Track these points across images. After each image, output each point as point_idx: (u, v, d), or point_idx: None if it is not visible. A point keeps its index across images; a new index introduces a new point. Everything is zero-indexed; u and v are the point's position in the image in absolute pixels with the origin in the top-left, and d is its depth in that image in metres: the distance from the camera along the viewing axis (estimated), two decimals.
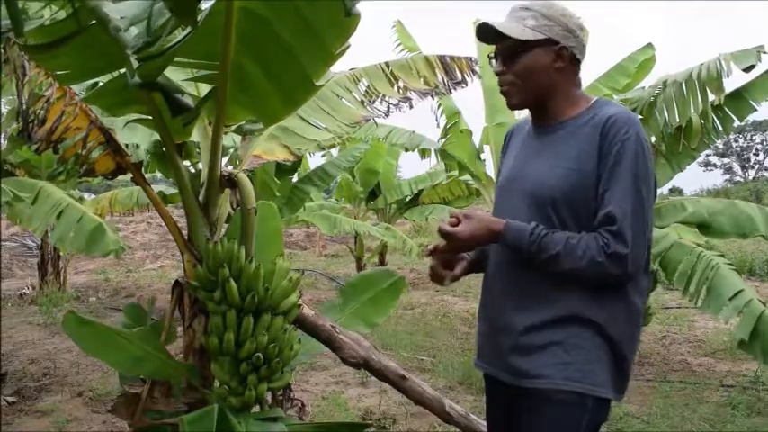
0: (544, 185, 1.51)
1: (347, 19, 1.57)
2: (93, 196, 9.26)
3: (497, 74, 1.58)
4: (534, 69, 1.53)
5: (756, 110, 4.40)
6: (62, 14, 1.74)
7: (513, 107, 1.63)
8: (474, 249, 1.64)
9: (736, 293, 3.69)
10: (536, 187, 1.53)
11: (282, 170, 6.13)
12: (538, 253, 1.46)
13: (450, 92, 2.74)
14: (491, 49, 1.61)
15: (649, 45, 5.62)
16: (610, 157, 1.45)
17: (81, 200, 7.26)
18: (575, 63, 1.56)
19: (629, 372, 1.56)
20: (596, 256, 1.42)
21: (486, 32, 1.56)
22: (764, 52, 3.86)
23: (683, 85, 4.09)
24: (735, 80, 4.30)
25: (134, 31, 1.73)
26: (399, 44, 5.57)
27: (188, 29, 1.60)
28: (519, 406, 1.55)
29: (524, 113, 1.80)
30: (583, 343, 1.48)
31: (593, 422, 1.50)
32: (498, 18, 1.58)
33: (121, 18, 1.65)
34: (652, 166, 1.50)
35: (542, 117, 1.61)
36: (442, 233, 1.53)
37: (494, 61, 1.59)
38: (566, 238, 1.46)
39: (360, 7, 1.54)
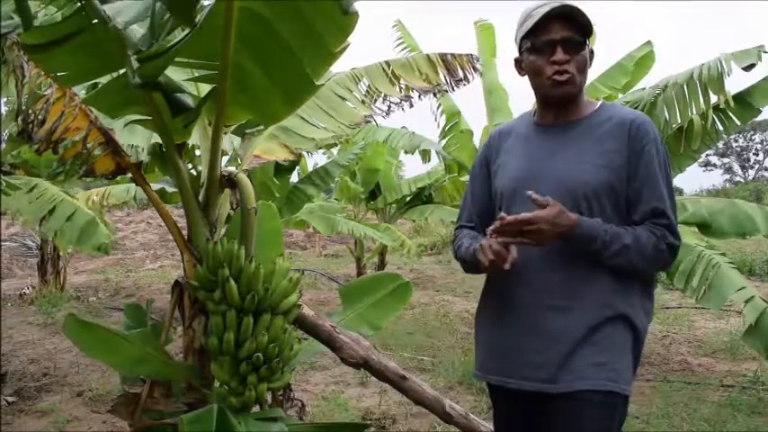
0: (577, 181, 1.51)
1: (346, 17, 1.57)
2: None
3: (559, 62, 1.52)
4: (587, 64, 1.57)
5: (760, 112, 4.39)
6: (60, 15, 1.74)
7: (566, 97, 1.57)
8: (551, 240, 1.47)
9: (738, 291, 3.69)
10: (566, 183, 1.52)
11: (281, 170, 6.13)
12: (609, 244, 1.46)
13: (453, 89, 2.71)
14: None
15: (648, 42, 5.59)
16: (642, 156, 1.51)
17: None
18: None
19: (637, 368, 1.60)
20: (659, 245, 1.48)
21: (563, 14, 1.52)
22: (765, 52, 3.86)
23: (684, 86, 4.09)
24: (738, 82, 4.27)
25: (138, 30, 1.72)
26: (401, 42, 5.55)
27: (188, 28, 1.60)
28: (548, 412, 1.52)
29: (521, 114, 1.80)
30: (615, 341, 1.50)
31: (621, 421, 1.53)
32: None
33: (121, 19, 1.64)
34: None
35: (566, 113, 1.61)
36: (524, 220, 1.43)
37: (559, 48, 1.52)
38: (626, 229, 1.49)
39: (358, 6, 1.55)
